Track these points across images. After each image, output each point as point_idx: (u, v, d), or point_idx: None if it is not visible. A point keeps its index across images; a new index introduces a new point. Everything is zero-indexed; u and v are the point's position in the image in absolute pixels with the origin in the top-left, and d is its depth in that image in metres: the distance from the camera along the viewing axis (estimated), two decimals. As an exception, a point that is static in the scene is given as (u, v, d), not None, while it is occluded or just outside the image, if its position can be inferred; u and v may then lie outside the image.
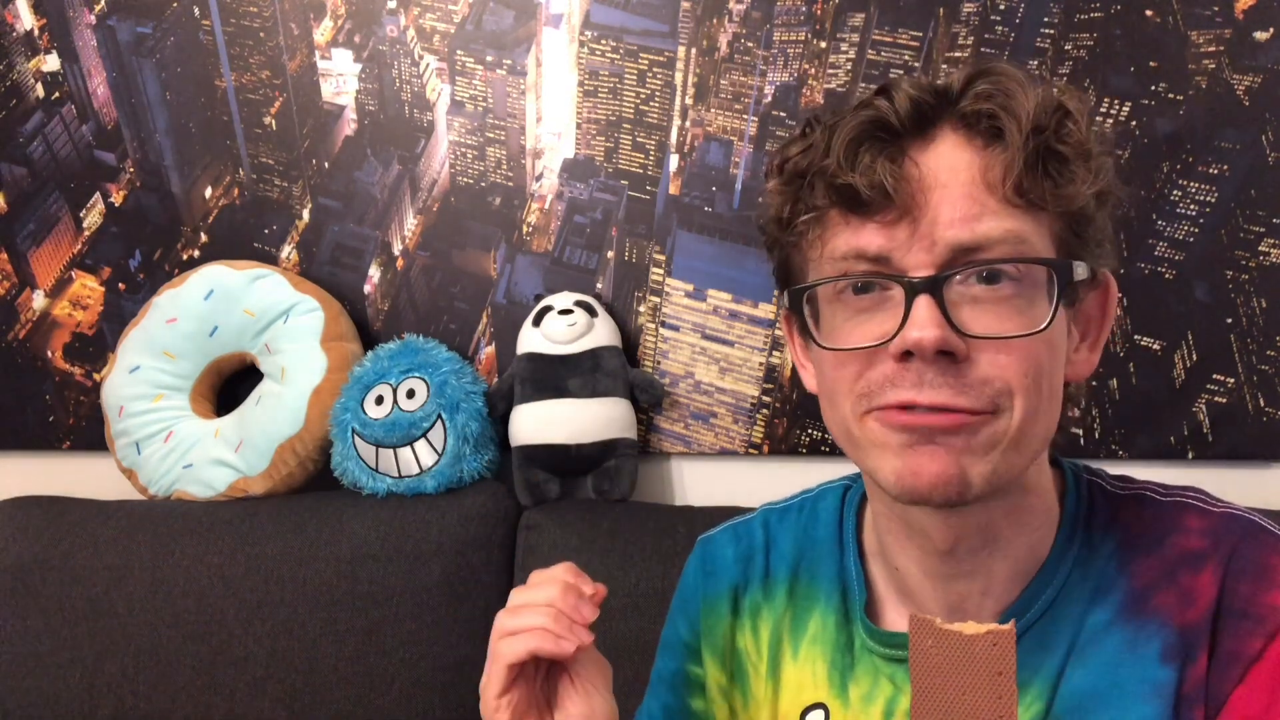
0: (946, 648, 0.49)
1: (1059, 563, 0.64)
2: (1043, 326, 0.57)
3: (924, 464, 0.57)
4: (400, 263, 1.43)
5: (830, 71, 1.31)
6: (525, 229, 1.40)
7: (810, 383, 0.69)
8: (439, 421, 1.31)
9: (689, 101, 1.34)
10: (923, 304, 0.56)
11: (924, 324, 0.56)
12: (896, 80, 0.61)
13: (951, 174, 0.58)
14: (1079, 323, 0.64)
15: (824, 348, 0.62)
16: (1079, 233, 0.60)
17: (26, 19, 1.44)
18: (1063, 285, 0.58)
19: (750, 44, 1.32)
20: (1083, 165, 0.58)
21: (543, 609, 0.63)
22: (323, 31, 1.40)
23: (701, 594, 0.78)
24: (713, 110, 1.34)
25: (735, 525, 0.80)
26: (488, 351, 1.43)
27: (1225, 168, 1.25)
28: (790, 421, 1.38)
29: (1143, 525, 0.63)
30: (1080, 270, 0.59)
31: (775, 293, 1.35)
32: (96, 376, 1.51)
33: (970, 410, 0.57)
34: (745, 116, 1.33)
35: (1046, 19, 1.25)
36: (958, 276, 0.57)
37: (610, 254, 1.39)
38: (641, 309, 1.39)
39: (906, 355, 0.57)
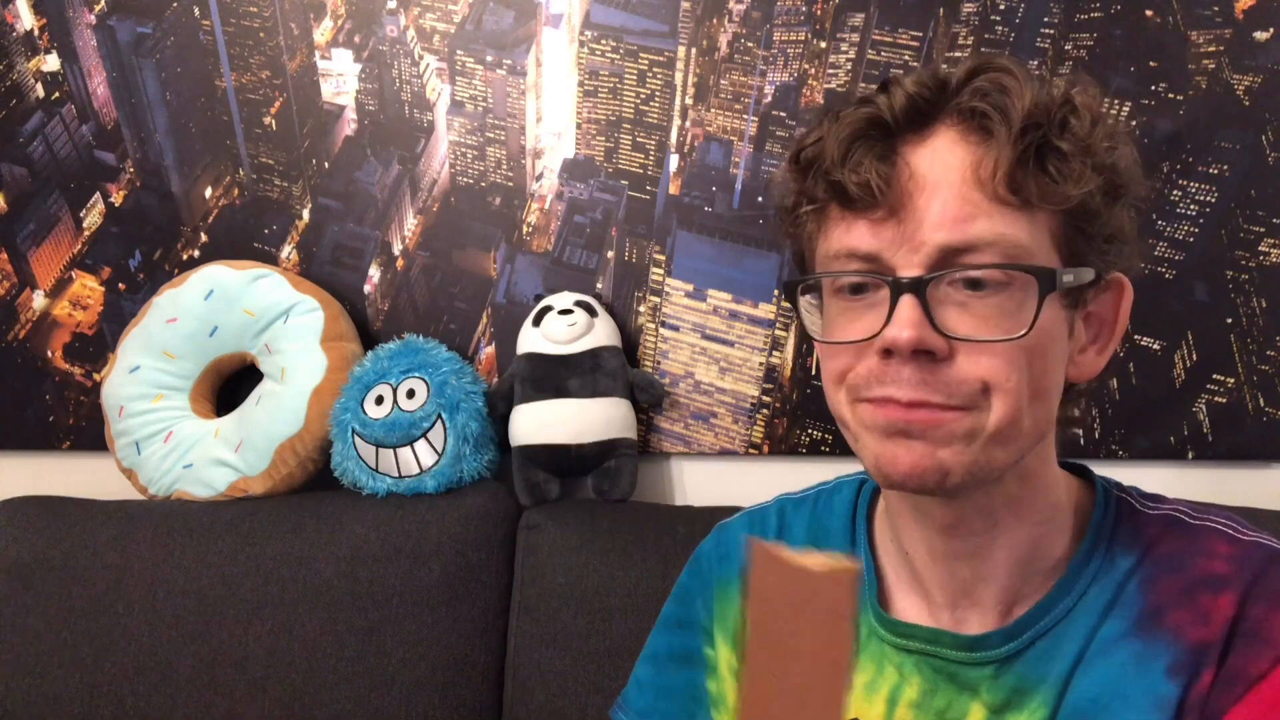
0: (787, 581, 0.45)
1: (1079, 574, 0.64)
2: (1020, 334, 0.57)
3: (900, 455, 0.59)
4: (400, 263, 1.43)
5: (830, 71, 1.31)
6: (525, 229, 1.40)
7: None
8: (439, 421, 1.31)
9: (689, 101, 1.34)
10: (905, 304, 0.57)
11: (903, 324, 0.57)
12: (900, 76, 0.61)
13: (944, 171, 0.58)
14: (1090, 324, 0.64)
15: (817, 340, 0.64)
16: (1084, 230, 0.59)
17: (26, 19, 1.44)
18: (1044, 293, 0.57)
19: (750, 44, 1.32)
20: (1083, 161, 0.58)
21: None
22: (323, 31, 1.40)
23: (715, 577, 0.79)
24: (713, 110, 1.34)
25: (751, 512, 0.82)
26: (488, 351, 1.43)
27: (1225, 168, 1.25)
28: (790, 421, 1.38)
29: (1168, 545, 0.63)
30: (1069, 277, 0.59)
31: (774, 292, 1.35)
32: (96, 376, 1.51)
33: (945, 406, 0.57)
34: (745, 116, 1.33)
35: (1046, 19, 1.25)
36: (945, 279, 0.57)
37: (610, 254, 1.39)
38: (641, 309, 1.39)
39: (888, 352, 0.58)
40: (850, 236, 0.60)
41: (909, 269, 0.58)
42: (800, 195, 0.64)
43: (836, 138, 0.60)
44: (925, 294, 0.57)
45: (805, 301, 0.66)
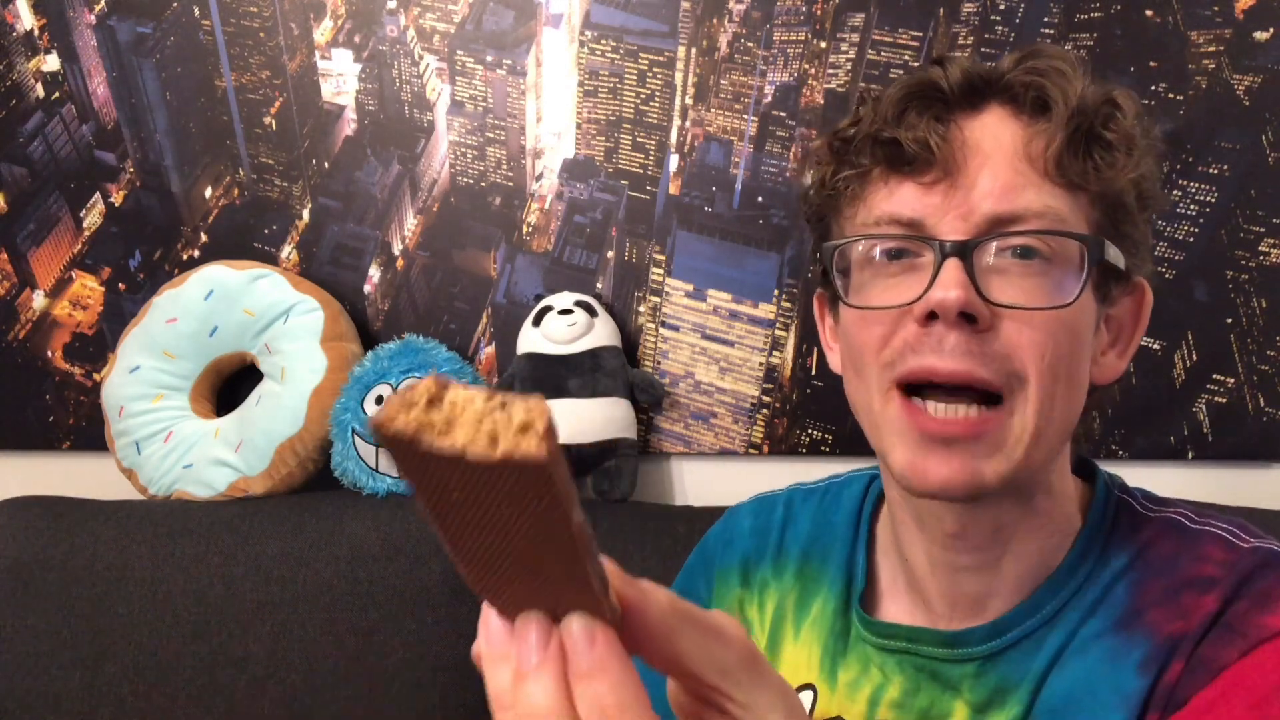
0: (466, 481, 0.31)
1: (1070, 575, 0.62)
2: (1069, 300, 0.57)
3: (934, 466, 0.57)
4: (400, 263, 1.43)
5: (830, 71, 1.31)
6: (525, 229, 1.40)
7: (836, 364, 0.69)
8: (439, 421, 1.31)
9: (689, 101, 1.34)
10: (951, 266, 0.56)
11: (949, 284, 0.56)
12: (952, 56, 0.62)
13: (995, 144, 0.58)
14: (1111, 326, 0.64)
15: (851, 305, 0.62)
16: (1117, 224, 0.60)
17: (26, 19, 1.44)
18: (1093, 261, 0.57)
19: (750, 44, 1.31)
20: (1125, 154, 0.58)
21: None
22: (323, 31, 1.40)
23: (718, 562, 0.80)
24: (713, 110, 1.34)
25: (762, 498, 0.82)
26: (488, 351, 1.43)
27: (1225, 168, 1.25)
28: (790, 421, 1.38)
29: (1163, 549, 0.62)
30: (1112, 252, 0.59)
31: (775, 292, 1.35)
32: (96, 376, 1.51)
33: (986, 384, 0.56)
34: (745, 116, 1.33)
35: (1046, 19, 1.25)
36: (990, 245, 0.57)
37: (610, 254, 1.39)
38: (641, 309, 1.39)
39: (930, 318, 0.57)
40: (893, 202, 0.59)
41: (955, 235, 0.57)
42: (841, 164, 0.63)
43: (889, 101, 0.60)
44: (971, 259, 0.56)
45: (835, 278, 0.64)
